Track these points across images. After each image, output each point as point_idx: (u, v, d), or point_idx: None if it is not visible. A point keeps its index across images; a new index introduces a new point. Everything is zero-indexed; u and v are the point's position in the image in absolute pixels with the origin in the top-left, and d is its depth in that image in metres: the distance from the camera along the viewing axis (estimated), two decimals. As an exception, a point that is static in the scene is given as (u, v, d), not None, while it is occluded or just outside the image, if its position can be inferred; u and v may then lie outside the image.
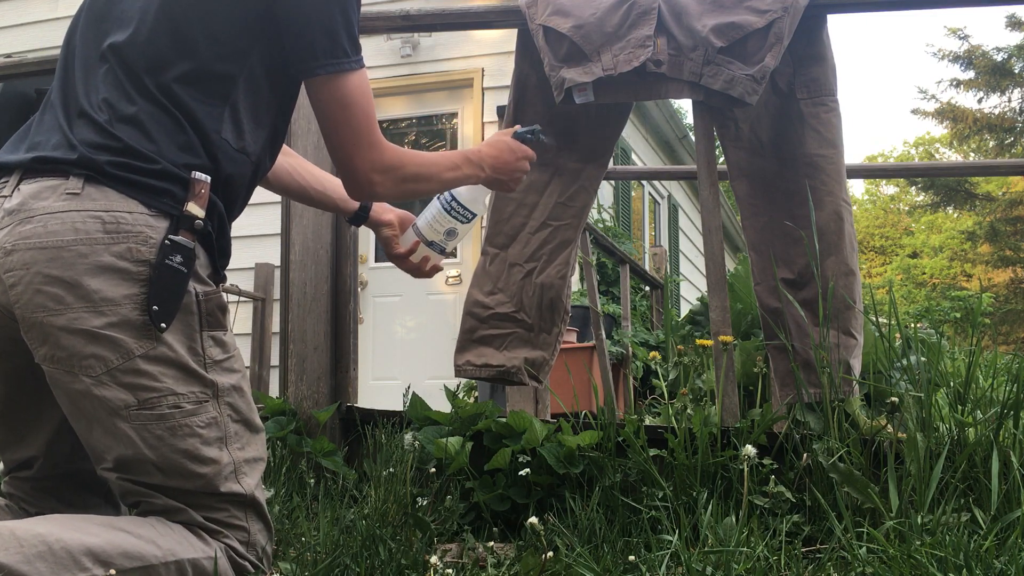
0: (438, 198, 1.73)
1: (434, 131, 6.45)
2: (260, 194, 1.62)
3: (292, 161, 1.73)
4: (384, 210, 1.80)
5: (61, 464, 1.48)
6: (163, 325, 1.29)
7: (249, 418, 1.40)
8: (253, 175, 1.45)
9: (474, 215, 1.73)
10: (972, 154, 19.81)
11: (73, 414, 1.32)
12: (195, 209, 1.32)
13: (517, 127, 1.74)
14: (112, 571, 1.20)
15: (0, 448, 1.50)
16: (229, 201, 1.40)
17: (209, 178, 1.35)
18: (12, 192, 1.32)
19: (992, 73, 15.41)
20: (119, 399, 1.27)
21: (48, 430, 1.46)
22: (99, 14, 1.43)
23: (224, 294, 1.41)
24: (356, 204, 1.77)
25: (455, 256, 6.15)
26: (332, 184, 1.76)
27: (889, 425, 1.89)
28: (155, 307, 1.28)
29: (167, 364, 1.30)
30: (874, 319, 2.22)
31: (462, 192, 1.71)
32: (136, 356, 1.27)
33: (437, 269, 1.79)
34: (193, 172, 1.33)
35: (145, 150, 1.31)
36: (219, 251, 1.40)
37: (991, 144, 16.85)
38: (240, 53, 1.37)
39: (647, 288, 6.71)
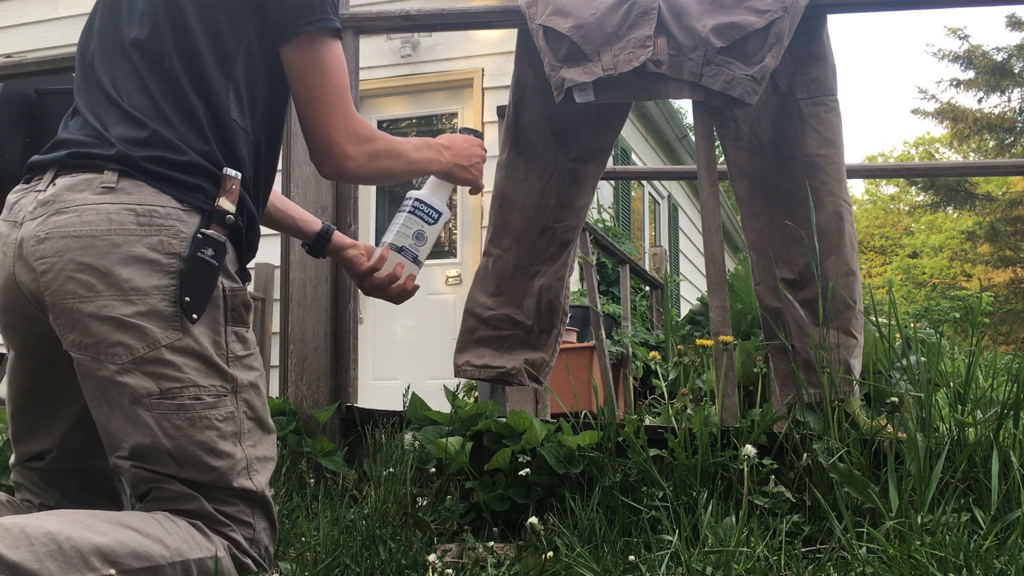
0: (400, 208, 1.71)
1: (434, 131, 6.45)
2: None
3: None
4: (345, 237, 1.77)
5: (72, 459, 1.50)
6: (194, 316, 1.32)
7: (263, 417, 1.42)
8: (255, 153, 1.47)
9: (440, 214, 1.70)
10: (972, 154, 19.81)
11: (95, 400, 1.34)
12: (226, 204, 1.37)
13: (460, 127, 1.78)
14: (120, 571, 1.20)
15: (14, 439, 1.52)
16: (246, 187, 1.43)
17: (240, 174, 1.39)
18: (47, 187, 1.36)
19: (992, 73, 15.41)
20: (142, 387, 1.29)
21: (63, 425, 1.48)
22: (114, 12, 1.47)
23: (248, 292, 1.44)
24: (316, 227, 1.76)
25: (455, 256, 6.15)
26: (294, 207, 1.78)
27: (889, 425, 1.89)
28: (187, 298, 1.32)
29: (191, 356, 1.32)
30: (874, 319, 2.22)
31: (424, 192, 1.70)
32: (162, 346, 1.30)
33: (413, 283, 1.68)
34: (225, 168, 1.38)
35: (174, 140, 1.36)
36: (247, 245, 1.44)
37: (991, 144, 16.85)
38: (237, 27, 1.42)
39: (647, 288, 6.71)
